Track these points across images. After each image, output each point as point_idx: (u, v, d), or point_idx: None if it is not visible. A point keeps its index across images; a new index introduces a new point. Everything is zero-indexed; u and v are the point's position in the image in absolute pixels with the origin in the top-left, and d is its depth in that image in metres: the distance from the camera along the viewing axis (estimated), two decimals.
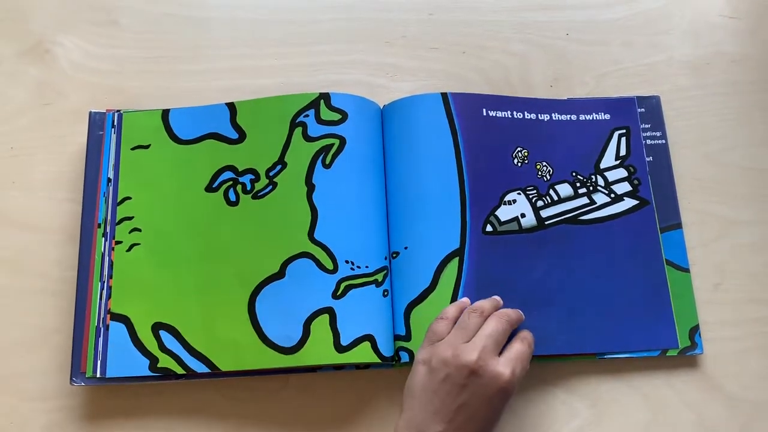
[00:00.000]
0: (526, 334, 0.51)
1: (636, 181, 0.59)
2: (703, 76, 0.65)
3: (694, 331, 0.56)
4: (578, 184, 0.59)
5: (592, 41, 0.66)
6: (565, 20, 0.67)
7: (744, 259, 0.59)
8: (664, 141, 0.62)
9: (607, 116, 0.61)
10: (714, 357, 0.57)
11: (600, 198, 0.59)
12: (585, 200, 0.58)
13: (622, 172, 0.60)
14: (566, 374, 0.56)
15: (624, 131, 0.61)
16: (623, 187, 0.59)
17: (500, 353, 0.48)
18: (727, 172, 0.62)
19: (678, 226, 0.59)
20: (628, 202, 0.59)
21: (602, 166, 0.60)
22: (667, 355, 0.56)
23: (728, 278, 0.59)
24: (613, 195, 0.59)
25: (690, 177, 0.62)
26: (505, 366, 0.46)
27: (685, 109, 0.64)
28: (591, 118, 0.61)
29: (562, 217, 0.58)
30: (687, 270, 0.58)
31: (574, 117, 0.61)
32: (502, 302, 0.54)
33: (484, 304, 0.52)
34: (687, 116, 0.64)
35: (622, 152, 0.60)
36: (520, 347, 0.49)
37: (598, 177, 0.59)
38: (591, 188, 0.59)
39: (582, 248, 0.57)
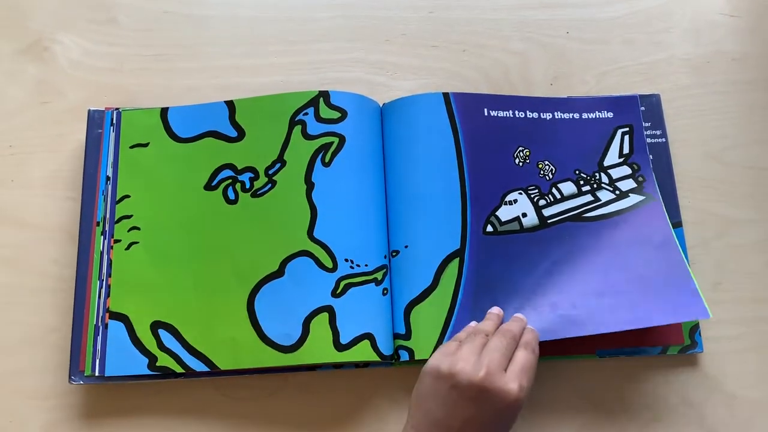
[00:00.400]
0: (529, 339, 0.50)
1: (641, 178, 0.59)
2: (704, 75, 0.65)
3: (695, 329, 0.56)
4: (582, 182, 0.59)
5: (592, 39, 0.66)
6: (565, 18, 0.67)
7: (744, 258, 0.59)
8: (664, 139, 0.61)
9: (610, 114, 0.61)
10: (714, 356, 0.57)
11: (605, 195, 0.58)
12: (589, 198, 0.58)
13: (625, 170, 0.59)
14: (567, 373, 0.56)
15: (627, 129, 0.61)
16: (628, 184, 0.59)
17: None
18: (728, 170, 0.62)
19: (678, 224, 0.59)
20: (634, 198, 0.58)
21: (606, 163, 0.59)
22: (667, 353, 0.55)
23: (728, 277, 0.59)
24: (618, 192, 0.58)
25: (690, 175, 0.61)
26: (513, 381, 0.46)
27: (685, 107, 0.64)
28: (594, 117, 0.61)
29: (566, 215, 0.57)
30: None
31: (576, 115, 0.61)
32: (502, 313, 0.53)
33: (486, 326, 0.51)
34: (687, 115, 0.64)
35: (626, 150, 0.60)
36: (524, 356, 0.48)
37: (602, 174, 0.59)
38: (595, 186, 0.59)
39: (588, 243, 0.56)
